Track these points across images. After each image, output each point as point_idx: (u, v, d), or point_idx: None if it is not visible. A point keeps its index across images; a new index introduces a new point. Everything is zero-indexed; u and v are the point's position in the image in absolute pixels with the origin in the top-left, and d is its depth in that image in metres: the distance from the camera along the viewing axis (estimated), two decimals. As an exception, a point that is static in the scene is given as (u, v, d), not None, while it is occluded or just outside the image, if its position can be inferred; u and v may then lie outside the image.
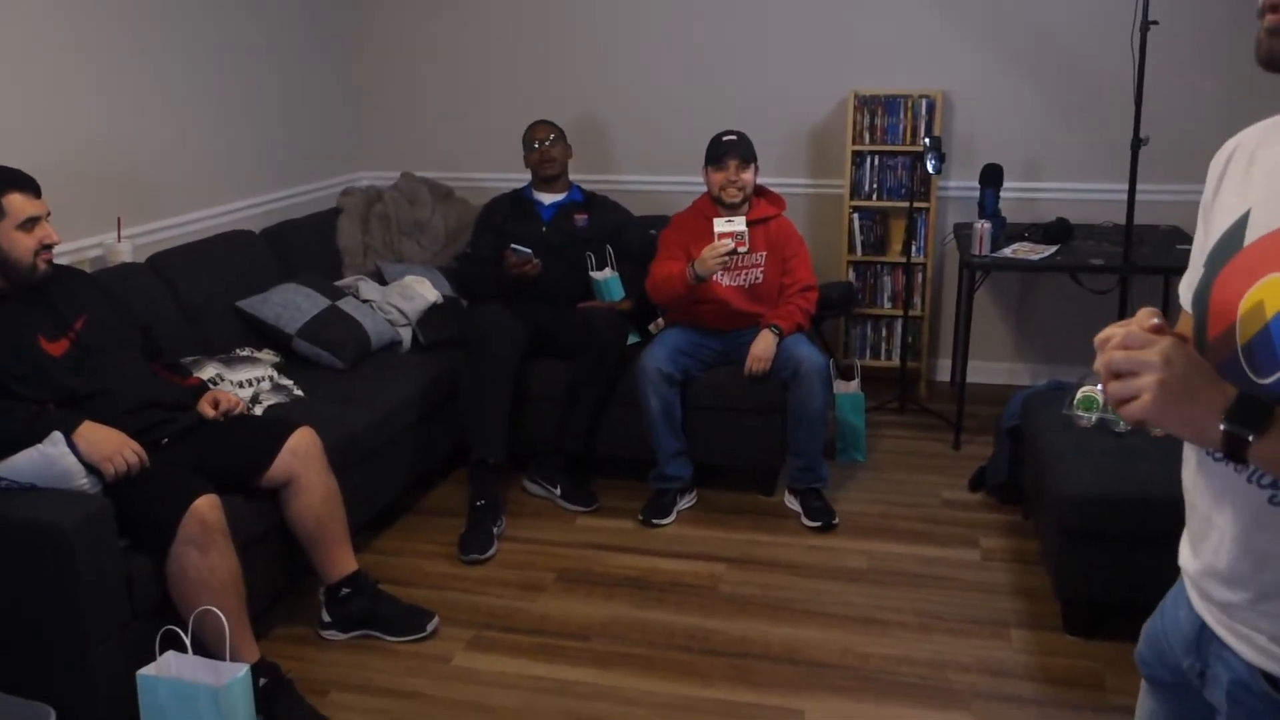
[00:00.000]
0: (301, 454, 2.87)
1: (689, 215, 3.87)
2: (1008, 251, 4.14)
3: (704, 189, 3.84)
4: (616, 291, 4.08)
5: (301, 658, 2.91)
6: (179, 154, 4.00)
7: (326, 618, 3.00)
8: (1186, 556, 1.26)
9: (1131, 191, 3.82)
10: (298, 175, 4.76)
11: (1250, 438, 1.00)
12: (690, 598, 3.22)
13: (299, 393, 3.50)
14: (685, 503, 3.81)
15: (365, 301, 4.08)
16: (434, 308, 4.19)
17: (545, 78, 4.98)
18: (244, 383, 3.40)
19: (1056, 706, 2.66)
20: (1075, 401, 2.39)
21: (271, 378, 3.50)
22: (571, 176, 4.32)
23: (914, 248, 4.57)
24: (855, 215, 4.73)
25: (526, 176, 4.31)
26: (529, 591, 3.27)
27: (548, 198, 4.23)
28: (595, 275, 4.08)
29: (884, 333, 4.86)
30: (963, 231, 4.41)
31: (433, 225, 4.70)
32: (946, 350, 4.96)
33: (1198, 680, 1.23)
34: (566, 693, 2.76)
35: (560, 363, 3.88)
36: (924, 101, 4.56)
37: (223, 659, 2.42)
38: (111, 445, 2.54)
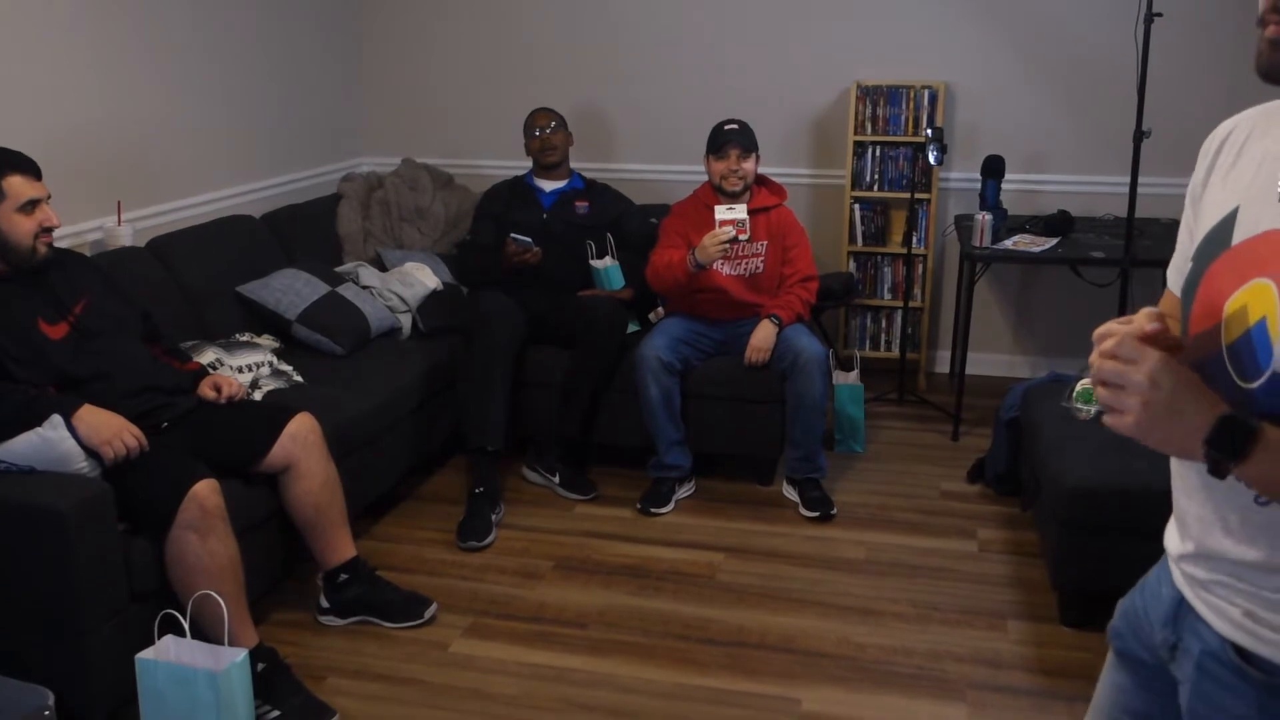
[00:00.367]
0: (301, 439, 2.87)
1: (690, 204, 3.86)
2: (1008, 243, 4.14)
3: (705, 178, 3.83)
4: (617, 280, 4.08)
5: (299, 643, 2.92)
6: (180, 138, 3.99)
7: (325, 603, 3.01)
8: (1172, 538, 1.29)
9: (1133, 184, 3.82)
10: (299, 160, 4.75)
11: (1231, 465, 1.02)
12: (688, 587, 3.22)
13: (298, 378, 3.50)
14: (684, 492, 3.81)
15: (365, 288, 4.08)
16: (434, 294, 4.19)
17: (547, 65, 4.97)
18: (244, 368, 3.40)
19: (1052, 698, 2.67)
20: (1074, 394, 2.39)
21: (271, 363, 3.50)
22: (573, 164, 4.32)
23: (915, 239, 4.57)
24: (856, 206, 4.72)
25: (527, 164, 4.30)
26: (527, 579, 3.27)
27: (549, 185, 4.22)
28: (595, 263, 4.08)
29: (884, 324, 4.86)
30: (964, 223, 4.40)
31: (433, 212, 4.70)
32: (946, 342, 4.96)
33: (1167, 654, 1.27)
34: (564, 680, 2.77)
35: (560, 351, 3.88)
36: (926, 92, 4.55)
37: (221, 643, 2.42)
38: (111, 429, 2.54)
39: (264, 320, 3.81)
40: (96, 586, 2.40)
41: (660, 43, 4.86)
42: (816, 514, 3.62)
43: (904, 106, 4.59)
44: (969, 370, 4.65)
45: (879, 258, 4.80)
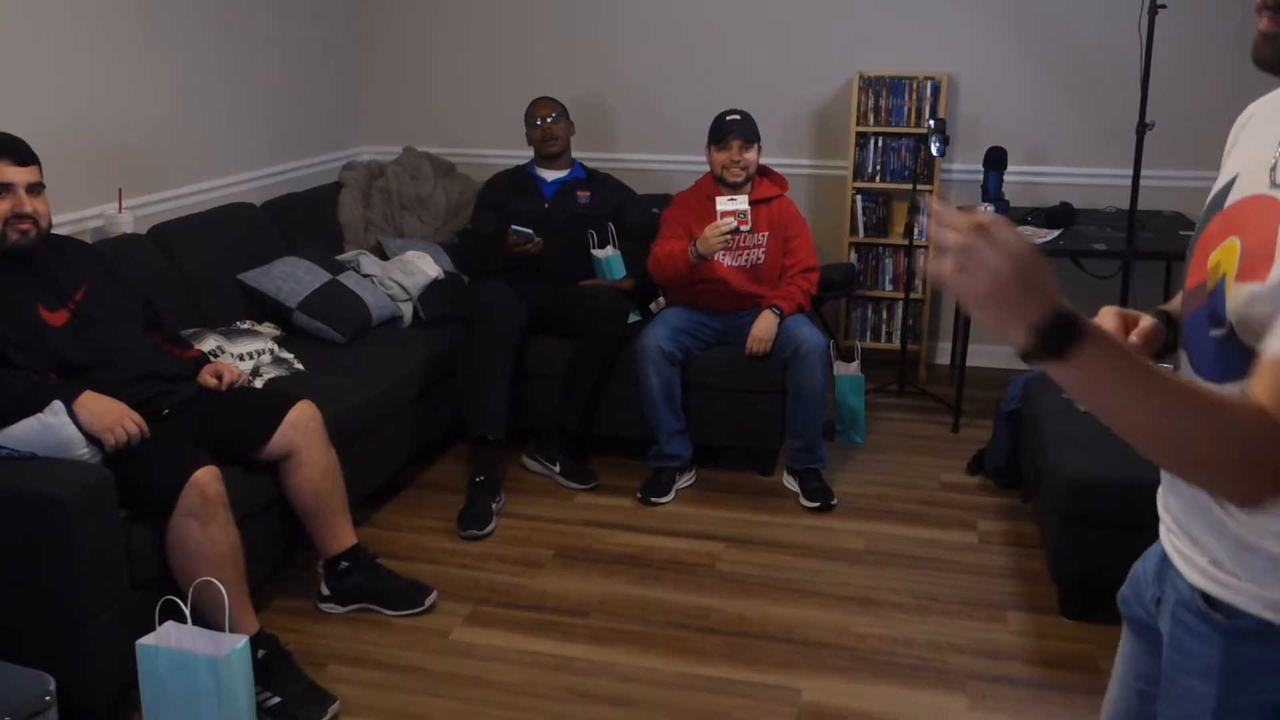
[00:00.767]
0: (302, 427, 2.88)
1: (691, 194, 3.86)
2: (1010, 235, 4.12)
3: (707, 168, 3.83)
4: (618, 269, 4.07)
5: (300, 630, 2.92)
6: (181, 125, 3.99)
7: (325, 591, 3.01)
8: (1160, 494, 1.33)
9: (1136, 177, 3.81)
10: (300, 148, 4.74)
11: (1045, 358, 1.00)
12: (688, 576, 3.23)
13: (299, 366, 3.51)
14: (684, 481, 3.81)
15: (366, 276, 4.08)
16: (435, 283, 4.19)
17: (549, 54, 4.96)
18: (244, 355, 3.40)
19: (1051, 689, 2.68)
20: None
21: (272, 351, 3.50)
22: (574, 154, 4.31)
23: (916, 230, 4.57)
24: (858, 197, 4.71)
25: (529, 153, 4.29)
26: (527, 568, 3.28)
27: (550, 174, 4.21)
28: (597, 253, 4.07)
29: (885, 315, 4.86)
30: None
31: (434, 200, 4.69)
32: (947, 333, 4.96)
33: (1155, 609, 1.32)
34: (564, 668, 2.77)
35: (561, 340, 3.87)
36: (929, 84, 4.54)
37: (222, 630, 2.43)
38: (112, 415, 2.53)
39: (265, 308, 3.81)
40: (97, 573, 2.40)
41: (663, 32, 4.85)
42: (817, 504, 3.63)
43: (906, 98, 4.58)
44: (970, 362, 4.64)
45: (880, 249, 4.80)
